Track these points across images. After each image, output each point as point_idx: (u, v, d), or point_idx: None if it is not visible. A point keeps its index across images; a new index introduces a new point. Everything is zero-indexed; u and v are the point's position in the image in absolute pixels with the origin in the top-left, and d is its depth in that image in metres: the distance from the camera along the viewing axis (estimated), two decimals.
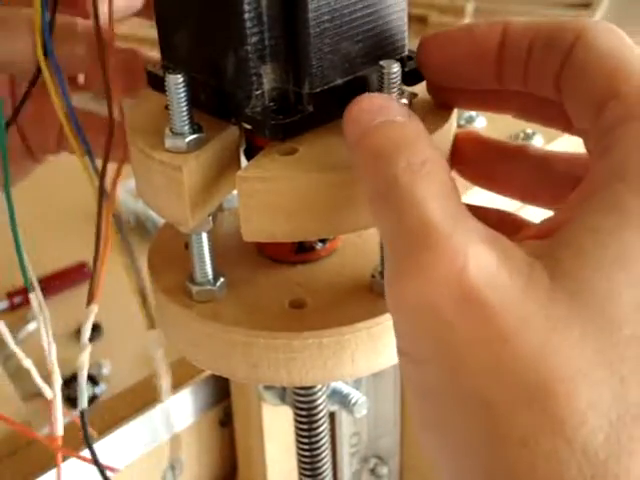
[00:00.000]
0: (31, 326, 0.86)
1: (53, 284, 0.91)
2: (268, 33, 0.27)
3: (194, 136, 0.28)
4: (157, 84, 0.31)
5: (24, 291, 0.38)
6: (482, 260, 0.21)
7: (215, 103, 0.29)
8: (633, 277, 0.21)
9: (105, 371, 0.82)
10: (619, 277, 0.21)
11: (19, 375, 0.56)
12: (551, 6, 0.55)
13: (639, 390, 0.20)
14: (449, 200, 0.23)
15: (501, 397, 0.21)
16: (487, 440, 0.21)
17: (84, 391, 0.32)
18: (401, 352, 0.23)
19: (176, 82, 0.27)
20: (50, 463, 0.42)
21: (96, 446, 0.44)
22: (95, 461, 0.34)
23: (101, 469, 0.34)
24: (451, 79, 0.29)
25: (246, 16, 0.26)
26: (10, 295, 0.91)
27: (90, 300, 0.31)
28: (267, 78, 0.28)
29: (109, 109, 0.31)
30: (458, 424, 0.22)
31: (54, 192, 0.98)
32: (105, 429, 0.45)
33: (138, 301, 0.32)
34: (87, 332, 0.32)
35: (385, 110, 0.25)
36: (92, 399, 0.78)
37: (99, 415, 0.45)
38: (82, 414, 0.33)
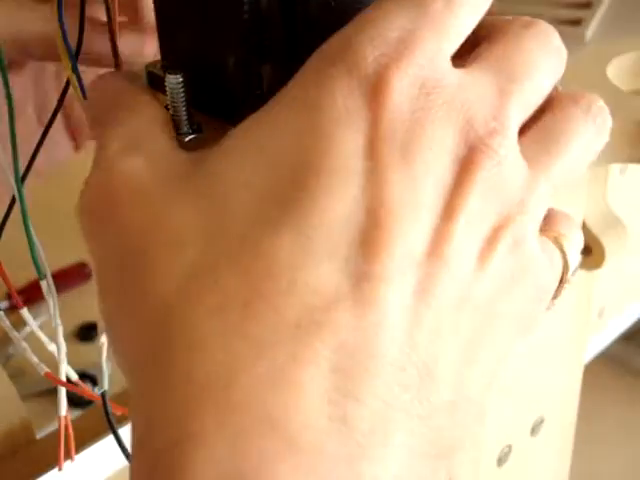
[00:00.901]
0: (29, 327, 0.85)
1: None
2: (268, 33, 0.27)
3: (194, 136, 0.28)
4: (157, 84, 0.31)
5: (24, 291, 0.37)
6: (129, 169, 0.25)
7: (215, 103, 0.29)
8: (248, 168, 0.24)
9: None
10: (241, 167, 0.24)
11: (19, 375, 0.56)
12: (551, 6, 0.56)
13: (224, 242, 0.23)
14: (130, 129, 0.27)
15: (109, 264, 0.25)
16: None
17: (105, 372, 0.33)
18: None
19: (176, 82, 0.28)
20: (50, 463, 0.42)
21: (96, 446, 0.44)
22: (119, 442, 0.34)
23: (125, 452, 0.35)
24: None
25: (246, 16, 0.26)
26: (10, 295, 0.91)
27: None
28: (267, 78, 0.28)
29: None
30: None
31: (54, 192, 0.98)
32: (104, 429, 0.44)
33: None
34: None
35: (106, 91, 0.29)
36: (91, 399, 0.78)
37: (98, 415, 0.45)
38: (103, 395, 0.33)
